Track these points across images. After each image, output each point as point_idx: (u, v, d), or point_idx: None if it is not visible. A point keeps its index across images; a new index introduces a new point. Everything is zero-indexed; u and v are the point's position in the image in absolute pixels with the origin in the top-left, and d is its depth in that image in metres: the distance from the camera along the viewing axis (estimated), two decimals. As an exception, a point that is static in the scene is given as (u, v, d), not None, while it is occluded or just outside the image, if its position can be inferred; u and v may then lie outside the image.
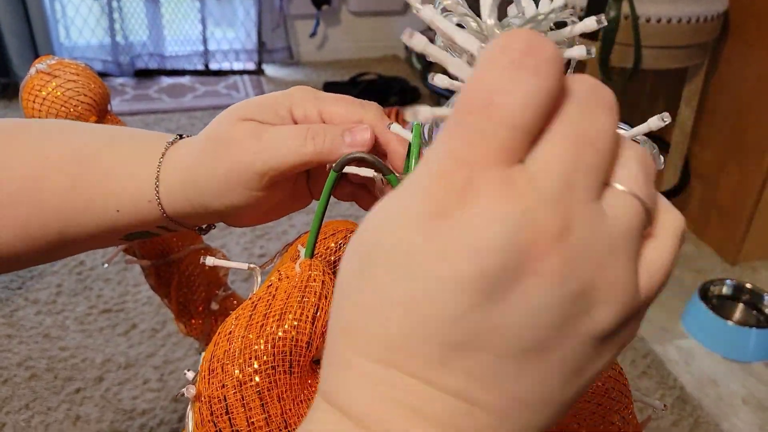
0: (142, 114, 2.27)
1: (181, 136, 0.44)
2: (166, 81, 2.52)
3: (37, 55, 2.27)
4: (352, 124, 0.39)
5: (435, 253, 0.19)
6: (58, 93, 0.59)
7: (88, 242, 0.44)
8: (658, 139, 1.87)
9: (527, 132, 0.19)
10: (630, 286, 0.21)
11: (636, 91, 2.00)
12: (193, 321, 0.64)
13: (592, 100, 0.20)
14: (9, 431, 1.16)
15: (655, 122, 0.26)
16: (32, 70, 0.60)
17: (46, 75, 0.60)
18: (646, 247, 0.22)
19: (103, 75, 2.43)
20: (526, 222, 0.19)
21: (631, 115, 2.01)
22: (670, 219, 0.23)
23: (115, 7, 2.35)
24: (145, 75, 2.53)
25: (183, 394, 0.38)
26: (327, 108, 0.40)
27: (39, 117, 0.59)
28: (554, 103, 0.20)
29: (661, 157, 0.28)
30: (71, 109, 0.59)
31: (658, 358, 1.40)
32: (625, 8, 1.43)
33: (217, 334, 0.39)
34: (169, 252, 0.63)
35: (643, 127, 0.27)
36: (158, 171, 0.41)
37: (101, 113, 0.61)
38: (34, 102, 0.59)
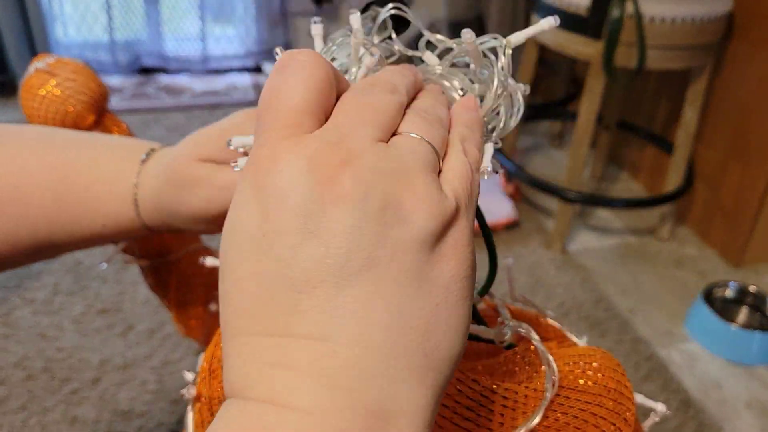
0: (140, 112, 2.25)
1: (153, 150, 0.46)
2: (165, 79, 2.51)
3: (34, 52, 2.25)
4: None
5: (259, 216, 0.23)
6: (57, 92, 0.58)
7: (79, 246, 0.46)
8: (662, 140, 1.86)
9: (305, 110, 0.25)
10: (433, 194, 0.24)
11: (639, 92, 1.99)
12: (192, 322, 0.63)
13: (373, 83, 0.27)
14: (5, 433, 1.15)
15: (548, 22, 0.31)
16: (31, 69, 0.59)
17: (45, 74, 0.58)
18: (443, 168, 0.27)
19: (101, 73, 2.41)
20: (315, 159, 0.23)
21: (634, 115, 2.00)
22: (453, 139, 0.28)
23: (114, 3, 2.33)
24: (143, 73, 2.52)
25: (183, 395, 0.37)
26: None
27: (38, 115, 0.58)
28: (331, 87, 0.26)
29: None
30: (70, 108, 0.57)
31: (662, 361, 1.39)
32: (630, 8, 1.42)
33: (217, 334, 0.38)
34: (167, 252, 0.62)
35: (535, 27, 0.32)
36: (135, 194, 0.44)
37: (100, 112, 0.60)
38: (33, 101, 0.58)
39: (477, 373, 0.34)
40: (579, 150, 1.59)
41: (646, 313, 1.53)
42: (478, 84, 0.32)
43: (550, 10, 1.56)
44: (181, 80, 2.51)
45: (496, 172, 0.29)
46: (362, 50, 0.32)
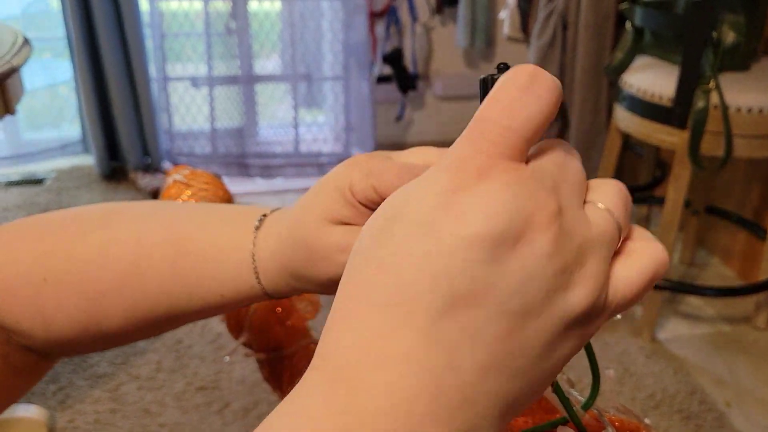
0: (237, 196, 2.39)
1: (265, 215, 0.43)
2: (259, 163, 2.66)
3: (144, 141, 2.45)
4: None
5: (452, 216, 0.23)
6: (192, 200, 0.66)
7: (199, 316, 0.45)
8: (755, 225, 1.83)
9: (528, 141, 0.24)
10: (601, 280, 0.24)
11: (729, 179, 1.96)
12: (302, 414, 0.68)
13: (568, 149, 0.27)
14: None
15: None
16: (170, 180, 0.68)
17: (182, 184, 0.67)
18: (616, 262, 0.26)
19: (203, 159, 2.59)
20: (530, 198, 0.23)
21: (724, 200, 1.97)
22: (648, 247, 0.27)
23: (215, 95, 2.53)
24: (240, 158, 2.68)
25: None
26: (380, 185, 0.37)
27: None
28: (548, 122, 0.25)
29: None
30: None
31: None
32: (714, 98, 1.43)
33: None
34: (282, 347, 0.67)
35: None
36: (254, 262, 0.41)
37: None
38: (170, 208, 0.66)
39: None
40: (667, 237, 1.58)
41: (744, 407, 1.47)
42: None
43: (633, 100, 1.59)
44: (274, 164, 2.66)
45: None
46: None
